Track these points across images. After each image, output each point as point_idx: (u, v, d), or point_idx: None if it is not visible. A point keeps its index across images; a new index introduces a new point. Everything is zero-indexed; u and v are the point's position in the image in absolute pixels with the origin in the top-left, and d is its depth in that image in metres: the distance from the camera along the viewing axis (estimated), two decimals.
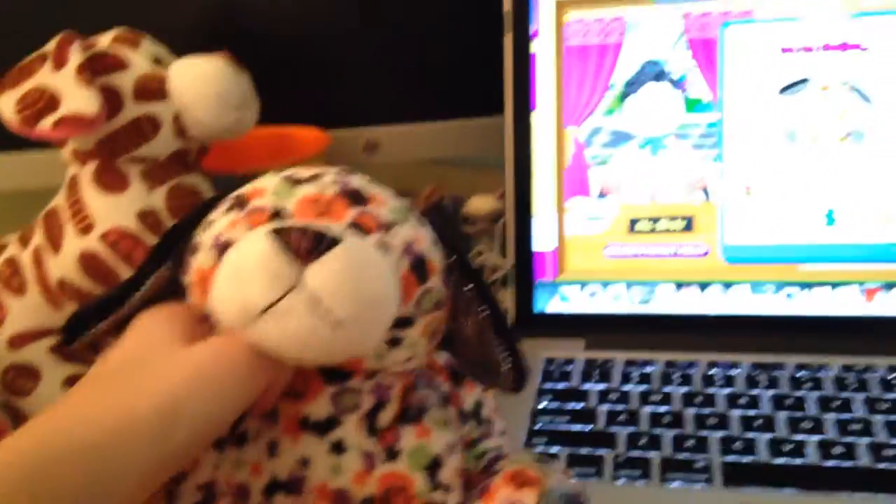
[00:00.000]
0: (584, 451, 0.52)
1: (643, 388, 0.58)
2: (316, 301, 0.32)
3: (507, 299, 0.67)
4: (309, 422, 0.36)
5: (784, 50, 0.61)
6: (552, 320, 0.66)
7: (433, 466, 0.37)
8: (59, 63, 0.55)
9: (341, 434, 0.36)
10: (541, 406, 0.57)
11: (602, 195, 0.65)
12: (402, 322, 0.35)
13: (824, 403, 0.55)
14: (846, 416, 0.53)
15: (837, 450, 0.50)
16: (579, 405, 0.57)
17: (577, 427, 0.55)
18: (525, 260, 0.66)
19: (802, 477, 0.48)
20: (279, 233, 0.32)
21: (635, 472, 0.50)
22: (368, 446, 0.36)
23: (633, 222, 0.64)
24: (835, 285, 0.62)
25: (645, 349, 0.63)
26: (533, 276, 0.66)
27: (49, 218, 0.59)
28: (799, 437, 0.51)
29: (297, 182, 0.36)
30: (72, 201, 0.58)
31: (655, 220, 0.64)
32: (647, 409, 0.56)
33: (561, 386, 0.59)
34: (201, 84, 0.58)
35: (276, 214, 0.35)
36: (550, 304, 0.66)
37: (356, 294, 0.32)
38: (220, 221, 0.36)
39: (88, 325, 0.40)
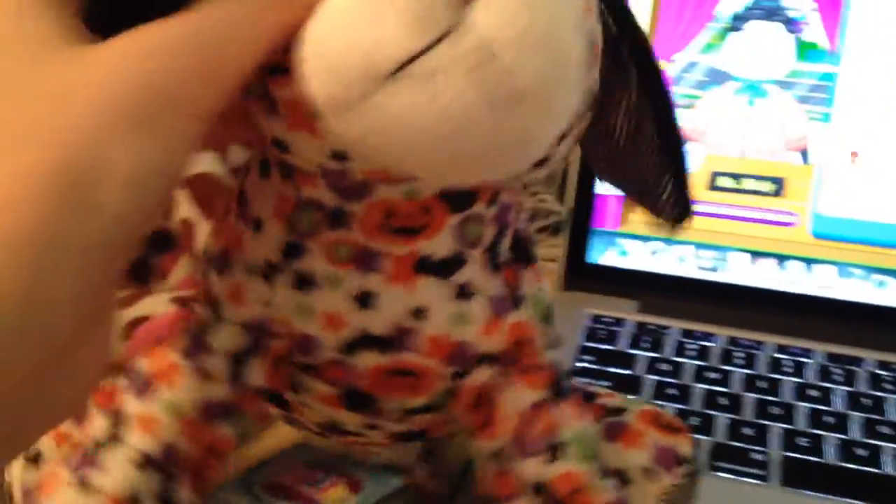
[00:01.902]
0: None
1: (699, 362, 0.51)
2: (489, 54, 0.20)
3: (562, 244, 0.60)
4: (430, 261, 0.27)
5: None
6: (606, 274, 0.59)
7: (548, 316, 0.31)
8: None
9: (469, 274, 0.28)
10: (580, 366, 0.51)
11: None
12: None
13: None
14: None
15: None
16: (624, 371, 0.50)
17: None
18: (585, 203, 0.59)
19: (874, 488, 0.41)
20: None
21: None
22: (495, 288, 0.29)
23: (715, 176, 0.57)
24: None
25: (706, 321, 0.56)
26: (591, 223, 0.59)
27: None
28: (874, 442, 0.44)
29: None
30: None
31: (741, 178, 0.56)
32: (702, 387, 0.49)
33: (605, 347, 0.53)
34: None
35: None
36: (606, 255, 0.59)
37: (550, 44, 0.21)
38: None
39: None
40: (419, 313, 0.28)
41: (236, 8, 0.22)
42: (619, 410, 0.34)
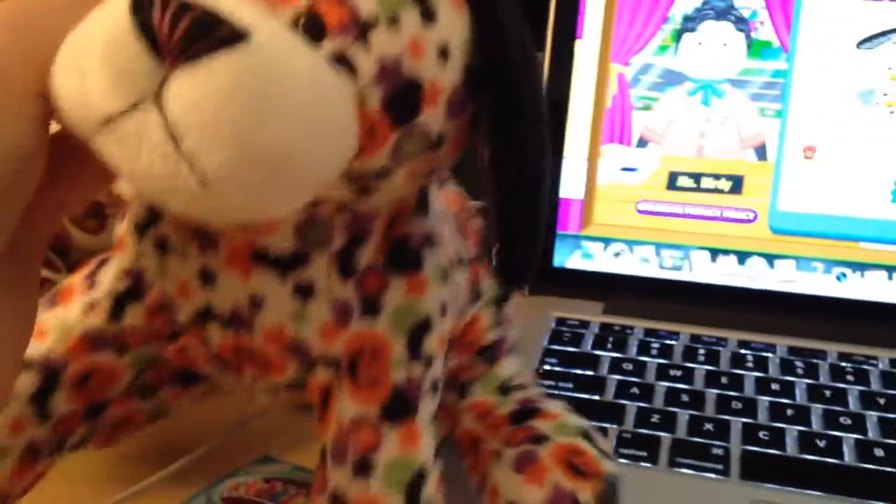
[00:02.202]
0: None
1: (662, 361, 0.52)
2: (175, 134, 0.19)
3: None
4: (266, 255, 0.28)
5: None
6: (570, 277, 0.60)
7: (419, 330, 0.29)
8: None
9: (311, 275, 0.28)
10: (544, 368, 0.51)
11: (642, 143, 0.57)
12: (371, 174, 0.24)
13: (867, 399, 0.48)
14: (891, 415, 0.46)
15: (878, 452, 0.43)
16: (587, 372, 0.50)
17: (581, 395, 0.48)
18: (549, 207, 0.59)
19: (834, 479, 0.41)
20: (142, 3, 0.19)
21: (641, 453, 0.43)
22: (342, 293, 0.28)
23: (674, 177, 0.57)
24: (893, 270, 0.55)
25: (670, 320, 0.56)
26: (555, 226, 0.59)
27: None
28: (835, 433, 0.45)
29: None
30: None
31: (699, 177, 0.57)
32: (664, 385, 0.49)
33: (570, 349, 0.53)
34: None
35: None
36: (570, 259, 0.59)
37: (247, 145, 0.19)
38: None
39: None
40: (255, 302, 0.28)
41: None
42: (541, 439, 0.33)
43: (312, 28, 0.21)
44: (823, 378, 0.50)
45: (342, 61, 0.22)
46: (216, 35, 0.19)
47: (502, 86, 0.25)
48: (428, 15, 0.23)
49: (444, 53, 0.24)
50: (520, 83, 0.25)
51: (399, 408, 0.29)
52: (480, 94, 0.25)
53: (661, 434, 0.44)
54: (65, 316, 0.31)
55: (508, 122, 0.25)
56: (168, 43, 0.19)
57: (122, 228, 0.31)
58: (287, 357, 0.29)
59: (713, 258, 0.57)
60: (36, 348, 0.31)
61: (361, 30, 0.22)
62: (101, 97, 0.20)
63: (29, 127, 0.21)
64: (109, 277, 0.31)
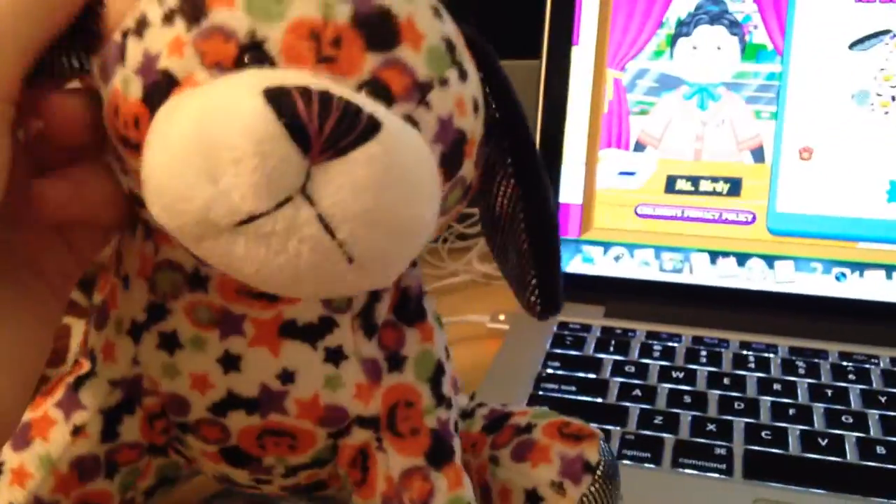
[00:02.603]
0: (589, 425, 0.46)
1: (664, 363, 0.52)
2: (327, 226, 0.20)
3: None
4: (295, 326, 0.27)
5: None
6: (571, 282, 0.60)
7: (437, 376, 0.30)
8: None
9: (339, 338, 0.28)
10: (547, 372, 0.51)
11: (640, 147, 0.58)
12: None
13: (869, 398, 0.48)
14: (893, 413, 0.46)
15: (879, 450, 0.43)
16: (590, 375, 0.51)
17: (584, 398, 0.49)
18: None
19: (835, 476, 0.42)
20: (284, 100, 0.19)
21: (644, 454, 0.44)
22: (369, 351, 0.28)
23: (672, 180, 0.58)
24: (892, 269, 0.55)
25: (671, 323, 0.56)
26: None
27: None
28: (837, 431, 0.45)
29: None
30: None
31: (697, 180, 0.57)
32: (667, 387, 0.49)
33: (572, 353, 0.53)
34: None
35: (252, 48, 0.22)
36: (571, 264, 0.60)
37: (390, 220, 0.21)
38: (156, 30, 0.23)
39: None
40: (286, 376, 0.27)
41: None
42: (527, 428, 0.33)
43: (381, 95, 0.23)
44: (825, 377, 0.50)
45: (411, 123, 0.23)
46: (359, 128, 0.20)
47: (520, 134, 0.27)
48: (462, 74, 0.25)
49: (476, 108, 0.25)
50: (529, 132, 0.27)
51: (441, 453, 0.30)
52: (491, 144, 0.27)
53: (665, 435, 0.45)
54: (46, 450, 0.29)
55: (530, 163, 0.27)
56: (319, 140, 0.19)
57: (93, 339, 0.29)
58: (318, 428, 0.29)
59: (713, 260, 0.57)
60: (20, 494, 0.28)
61: (422, 92, 0.23)
62: (243, 201, 0.20)
63: None
64: (95, 394, 0.29)
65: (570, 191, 0.59)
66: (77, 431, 0.29)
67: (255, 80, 0.20)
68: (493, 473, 0.33)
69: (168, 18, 0.23)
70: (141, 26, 0.23)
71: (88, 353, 0.29)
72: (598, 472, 0.32)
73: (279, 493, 0.33)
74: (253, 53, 0.22)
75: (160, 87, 0.22)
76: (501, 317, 0.59)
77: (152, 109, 0.22)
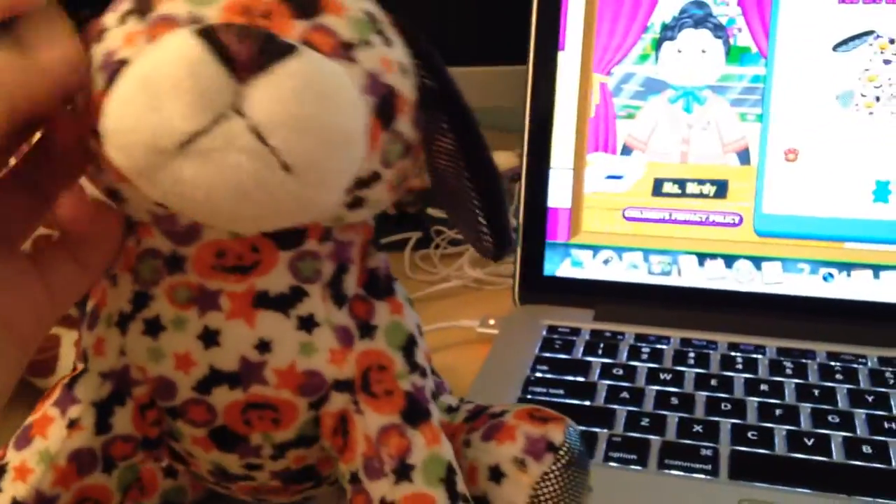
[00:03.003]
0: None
1: (652, 365, 0.52)
2: (260, 135, 0.23)
3: (514, 260, 0.61)
4: (268, 297, 0.29)
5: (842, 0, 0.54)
6: (561, 285, 0.60)
7: (409, 346, 0.32)
8: None
9: (310, 307, 0.30)
10: (535, 375, 0.51)
11: (627, 151, 0.58)
12: (365, 181, 0.27)
13: (856, 398, 0.48)
14: (880, 412, 0.47)
15: (866, 449, 0.44)
16: (578, 378, 0.51)
17: (572, 401, 0.49)
18: (537, 217, 0.60)
19: (822, 476, 0.42)
20: (210, 33, 0.23)
21: (631, 456, 0.44)
22: (341, 319, 0.30)
23: (659, 183, 0.58)
24: (879, 269, 0.55)
25: (660, 325, 0.56)
26: (544, 236, 0.60)
27: None
28: (823, 431, 0.45)
29: None
30: None
31: (684, 183, 0.57)
32: (654, 389, 0.50)
33: (561, 356, 0.54)
34: None
35: (193, 25, 0.25)
36: (560, 267, 0.60)
37: (317, 127, 0.23)
38: (113, 32, 0.26)
39: None
40: (264, 346, 0.29)
41: None
42: (501, 413, 0.34)
43: None
44: (812, 377, 0.50)
45: None
46: (277, 48, 0.23)
47: (453, 96, 0.29)
48: (387, 41, 0.27)
49: (404, 70, 0.28)
50: (462, 96, 0.30)
51: (416, 412, 0.31)
52: (428, 114, 0.29)
53: (651, 437, 0.45)
54: (45, 446, 0.30)
55: (466, 120, 0.29)
56: (242, 58, 0.22)
57: (85, 340, 0.31)
58: (298, 398, 0.30)
59: (700, 262, 0.58)
60: (22, 488, 0.30)
61: (346, 50, 0.26)
62: (182, 121, 0.22)
63: None
64: (87, 387, 0.30)
65: (558, 195, 0.59)
66: (72, 424, 0.30)
67: (188, 29, 0.23)
68: (464, 455, 0.34)
69: (122, 20, 0.26)
70: (101, 33, 0.26)
71: (81, 354, 0.31)
72: (562, 452, 0.32)
73: (272, 485, 0.33)
74: None
75: (116, 74, 0.24)
76: (491, 321, 0.60)
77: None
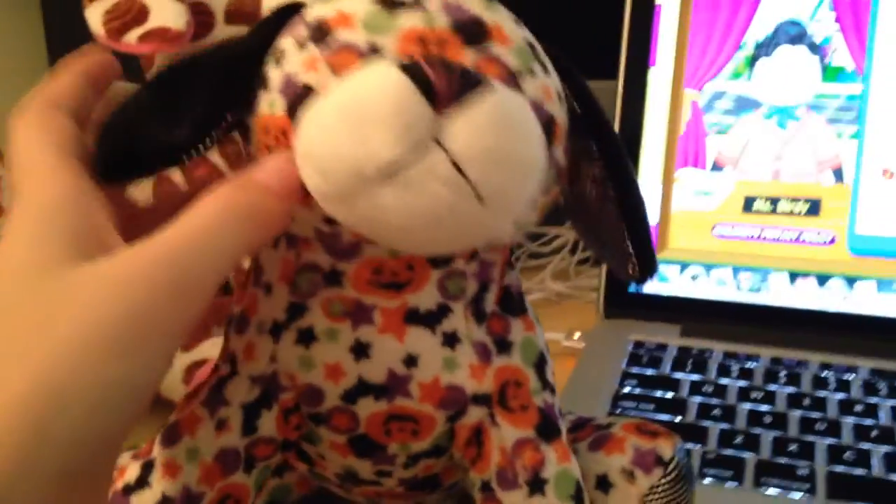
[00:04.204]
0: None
1: (743, 383, 0.52)
2: (459, 166, 0.24)
3: (599, 274, 0.61)
4: (418, 313, 0.30)
5: None
6: (647, 301, 0.60)
7: (541, 363, 0.32)
8: None
9: (454, 323, 0.30)
10: (624, 391, 0.52)
11: (717, 168, 0.58)
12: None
13: None
14: None
15: None
16: (668, 394, 0.51)
17: (663, 417, 0.49)
18: None
19: None
20: (414, 68, 0.24)
21: (726, 473, 0.44)
22: (479, 336, 0.31)
23: (750, 201, 0.58)
24: None
25: (749, 342, 0.56)
26: None
27: None
28: None
29: (394, 7, 0.26)
30: None
31: (776, 201, 0.57)
32: (746, 407, 0.49)
33: (649, 372, 0.54)
34: None
35: (372, 54, 0.26)
36: (647, 283, 0.60)
37: (510, 160, 0.24)
38: (292, 55, 0.27)
39: (124, 170, 0.27)
40: (411, 361, 0.30)
41: (201, 222, 0.24)
42: (608, 425, 0.35)
43: None
44: None
45: None
46: (477, 84, 0.24)
47: (602, 124, 0.30)
48: (545, 69, 0.28)
49: (560, 98, 0.28)
50: (610, 123, 0.31)
51: (549, 428, 0.32)
52: (575, 138, 0.30)
53: (746, 454, 0.45)
54: (194, 444, 0.31)
55: (614, 148, 0.30)
56: (443, 92, 0.23)
57: (234, 343, 0.32)
58: (438, 412, 0.31)
59: (792, 281, 0.57)
60: (172, 486, 0.30)
61: (515, 79, 0.26)
62: (386, 150, 0.23)
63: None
64: (237, 390, 0.31)
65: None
66: (221, 425, 0.31)
67: (386, 62, 0.24)
68: None
69: (301, 45, 0.27)
70: (279, 57, 0.27)
71: (228, 357, 0.32)
72: (671, 467, 0.33)
73: (396, 491, 0.34)
74: (374, 58, 0.26)
75: (300, 98, 0.26)
76: (577, 335, 0.60)
77: (295, 119, 0.26)
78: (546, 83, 0.28)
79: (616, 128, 0.59)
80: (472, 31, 0.26)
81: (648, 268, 0.31)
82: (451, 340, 0.30)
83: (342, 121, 0.24)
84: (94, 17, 0.53)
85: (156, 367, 0.23)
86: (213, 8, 0.54)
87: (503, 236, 0.27)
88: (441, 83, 0.23)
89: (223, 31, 0.54)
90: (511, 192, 0.25)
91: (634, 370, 0.54)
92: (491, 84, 0.24)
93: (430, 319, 0.30)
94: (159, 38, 0.51)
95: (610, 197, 0.30)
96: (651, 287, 0.60)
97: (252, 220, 0.25)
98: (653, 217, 0.59)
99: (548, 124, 0.27)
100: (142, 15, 0.52)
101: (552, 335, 0.61)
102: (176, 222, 0.24)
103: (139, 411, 0.22)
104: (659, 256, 0.58)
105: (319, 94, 0.25)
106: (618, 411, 0.50)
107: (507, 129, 0.24)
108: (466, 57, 0.26)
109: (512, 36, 0.27)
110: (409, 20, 0.26)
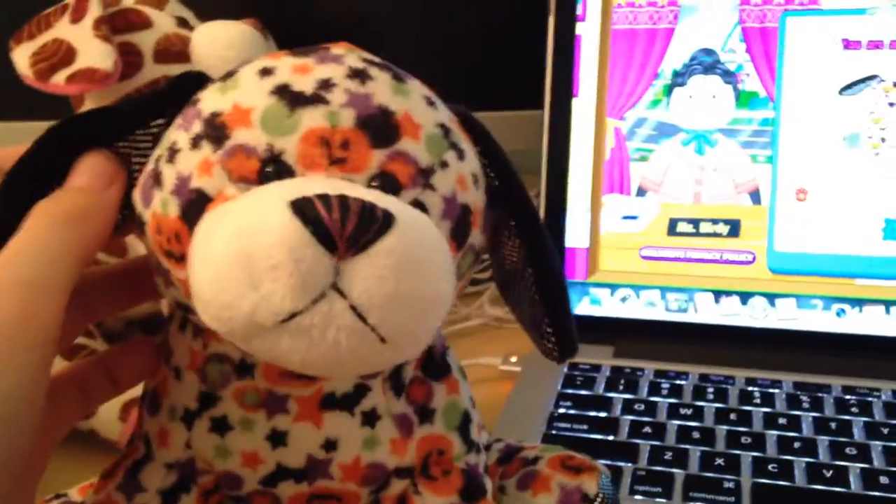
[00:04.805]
0: (602, 462, 0.47)
1: (673, 400, 0.54)
2: (359, 313, 0.23)
3: None
4: (334, 398, 0.29)
5: (847, 45, 0.56)
6: (581, 324, 0.61)
7: (465, 424, 0.32)
8: (78, 16, 0.53)
9: (373, 401, 0.30)
10: (559, 412, 0.53)
11: (641, 192, 0.60)
12: None
13: (871, 430, 0.50)
14: (895, 444, 0.48)
15: (883, 479, 0.45)
16: (601, 413, 0.52)
17: (596, 436, 0.50)
18: None
19: None
20: (308, 211, 0.22)
21: (655, 489, 0.45)
22: (399, 408, 0.31)
23: (674, 223, 0.60)
24: (890, 304, 0.57)
25: (678, 361, 0.58)
26: None
27: None
28: (841, 463, 0.47)
29: (295, 102, 0.25)
30: None
31: (697, 223, 0.59)
32: (676, 423, 0.51)
33: (583, 392, 0.55)
34: (225, 49, 0.55)
35: (272, 160, 0.25)
36: (579, 306, 0.62)
37: (413, 301, 0.24)
38: (186, 153, 0.26)
39: None
40: (330, 445, 0.29)
41: (23, 234, 0.25)
42: (534, 460, 0.35)
43: (389, 185, 0.26)
44: (829, 411, 0.52)
45: (419, 206, 0.26)
46: (376, 225, 0.23)
47: (518, 196, 0.30)
48: (460, 154, 0.28)
49: (476, 181, 0.28)
50: (526, 193, 0.30)
51: (474, 490, 0.31)
52: (494, 209, 0.30)
53: (675, 470, 0.46)
54: None
55: (531, 221, 0.30)
56: (342, 237, 0.22)
57: (147, 424, 0.31)
58: (361, 488, 0.31)
59: (716, 299, 0.59)
60: None
61: (425, 177, 0.26)
62: (282, 302, 0.22)
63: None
64: (153, 476, 0.30)
65: (575, 235, 0.61)
66: None
67: (280, 193, 0.23)
68: (500, 502, 0.35)
69: (195, 143, 0.26)
70: (172, 153, 0.26)
71: (143, 436, 0.31)
72: (596, 503, 0.33)
73: None
74: (273, 165, 0.25)
75: (195, 204, 0.25)
76: (513, 359, 0.61)
77: (190, 224, 0.25)
78: (461, 171, 0.27)
79: (544, 156, 0.61)
80: (379, 128, 0.26)
81: (567, 349, 0.31)
82: (370, 419, 0.30)
83: (235, 268, 0.23)
84: (22, 59, 0.53)
85: (24, 377, 0.23)
86: (142, 48, 0.55)
87: (410, 358, 0.27)
88: (337, 228, 0.22)
89: (152, 71, 0.55)
90: (415, 329, 0.24)
91: (569, 391, 0.55)
92: (392, 221, 0.23)
93: (347, 402, 0.29)
94: (87, 79, 0.52)
95: (529, 275, 0.30)
96: (584, 309, 0.62)
97: (70, 219, 0.25)
98: (582, 241, 0.61)
99: (461, 216, 0.27)
100: (69, 56, 0.52)
101: (490, 360, 0.62)
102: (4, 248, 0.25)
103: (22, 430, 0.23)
104: (589, 279, 0.60)
105: (216, 204, 0.25)
106: (553, 432, 0.51)
107: (410, 271, 0.23)
108: (373, 158, 0.25)
109: (423, 123, 0.27)
110: (310, 118, 0.25)
